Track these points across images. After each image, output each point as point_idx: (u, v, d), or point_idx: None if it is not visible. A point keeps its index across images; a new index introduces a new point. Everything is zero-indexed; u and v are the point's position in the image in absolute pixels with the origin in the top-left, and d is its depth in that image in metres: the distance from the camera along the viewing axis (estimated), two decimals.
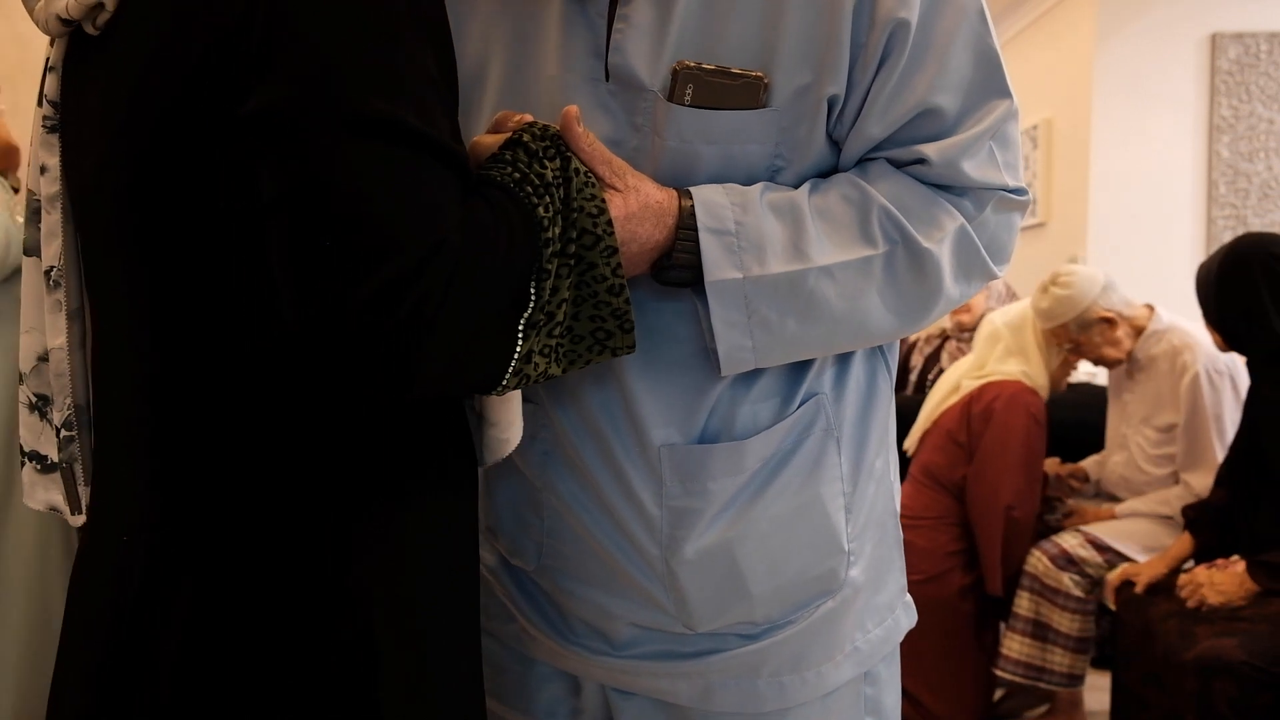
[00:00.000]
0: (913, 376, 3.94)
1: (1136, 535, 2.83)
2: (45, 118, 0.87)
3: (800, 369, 1.00)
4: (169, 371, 0.79)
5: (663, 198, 0.90)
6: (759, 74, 0.91)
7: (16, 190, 2.28)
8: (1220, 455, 2.72)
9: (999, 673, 2.85)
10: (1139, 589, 2.61)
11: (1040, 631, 2.81)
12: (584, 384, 0.98)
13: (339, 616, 0.78)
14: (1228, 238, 2.99)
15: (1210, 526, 2.59)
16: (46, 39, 0.88)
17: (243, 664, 0.77)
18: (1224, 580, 2.42)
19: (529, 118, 0.87)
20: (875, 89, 0.93)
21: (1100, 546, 2.81)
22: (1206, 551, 2.59)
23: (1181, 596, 2.47)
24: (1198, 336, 2.83)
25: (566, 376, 0.97)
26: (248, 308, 0.75)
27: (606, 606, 1.03)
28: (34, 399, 0.92)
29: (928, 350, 3.95)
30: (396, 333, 0.70)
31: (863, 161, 0.97)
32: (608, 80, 0.94)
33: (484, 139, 0.88)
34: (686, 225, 0.90)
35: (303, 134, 0.69)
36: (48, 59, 0.87)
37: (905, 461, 3.08)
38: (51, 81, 0.86)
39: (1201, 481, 2.74)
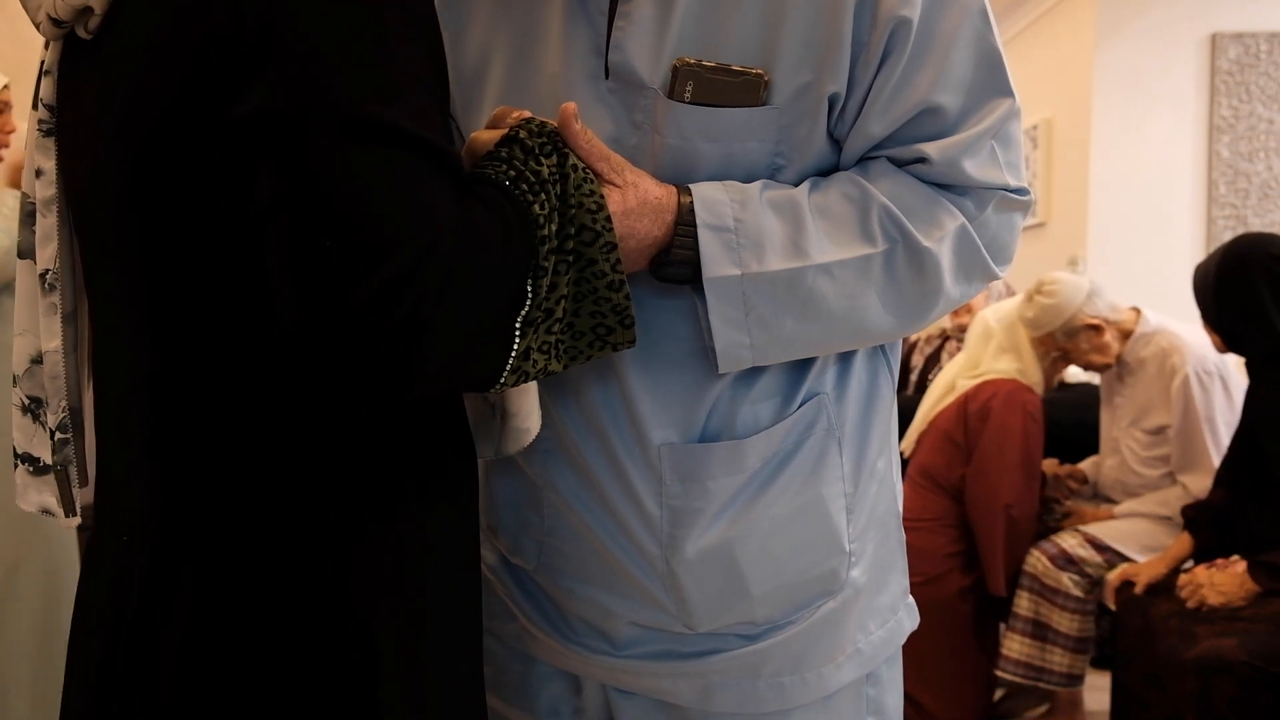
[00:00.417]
0: (913, 377, 3.94)
1: (1135, 535, 2.83)
2: (41, 121, 0.87)
3: (801, 368, 1.00)
4: (168, 372, 0.79)
5: (661, 194, 0.90)
6: (759, 71, 0.91)
7: None
8: (1215, 456, 2.73)
9: (999, 673, 2.85)
10: (1139, 589, 2.61)
11: (1040, 631, 2.81)
12: (585, 382, 0.98)
13: (339, 616, 0.78)
14: (1228, 238, 2.98)
15: (1209, 526, 2.59)
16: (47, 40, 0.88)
17: (243, 664, 0.77)
18: (1224, 580, 2.42)
19: (526, 114, 0.87)
20: (876, 87, 0.93)
21: (1099, 546, 2.82)
22: (1205, 551, 2.59)
23: (1182, 597, 2.47)
24: (1185, 338, 2.84)
25: (568, 374, 0.97)
26: (246, 309, 0.75)
27: (607, 605, 1.03)
28: (26, 401, 0.91)
29: (928, 350, 3.96)
30: (395, 333, 0.70)
31: (864, 160, 0.97)
32: (608, 78, 0.94)
33: (481, 135, 0.88)
34: (685, 221, 0.90)
35: (298, 137, 0.69)
36: (43, 62, 0.87)
37: (903, 463, 3.08)
38: (47, 85, 0.86)
39: (1198, 483, 2.75)
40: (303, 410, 0.78)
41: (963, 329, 3.76)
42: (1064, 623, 2.78)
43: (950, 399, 2.98)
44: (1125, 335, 2.91)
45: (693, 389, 0.97)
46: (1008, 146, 0.98)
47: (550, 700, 1.12)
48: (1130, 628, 2.60)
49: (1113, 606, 2.72)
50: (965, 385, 2.97)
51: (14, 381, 0.92)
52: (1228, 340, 2.58)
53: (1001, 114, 0.96)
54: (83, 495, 0.92)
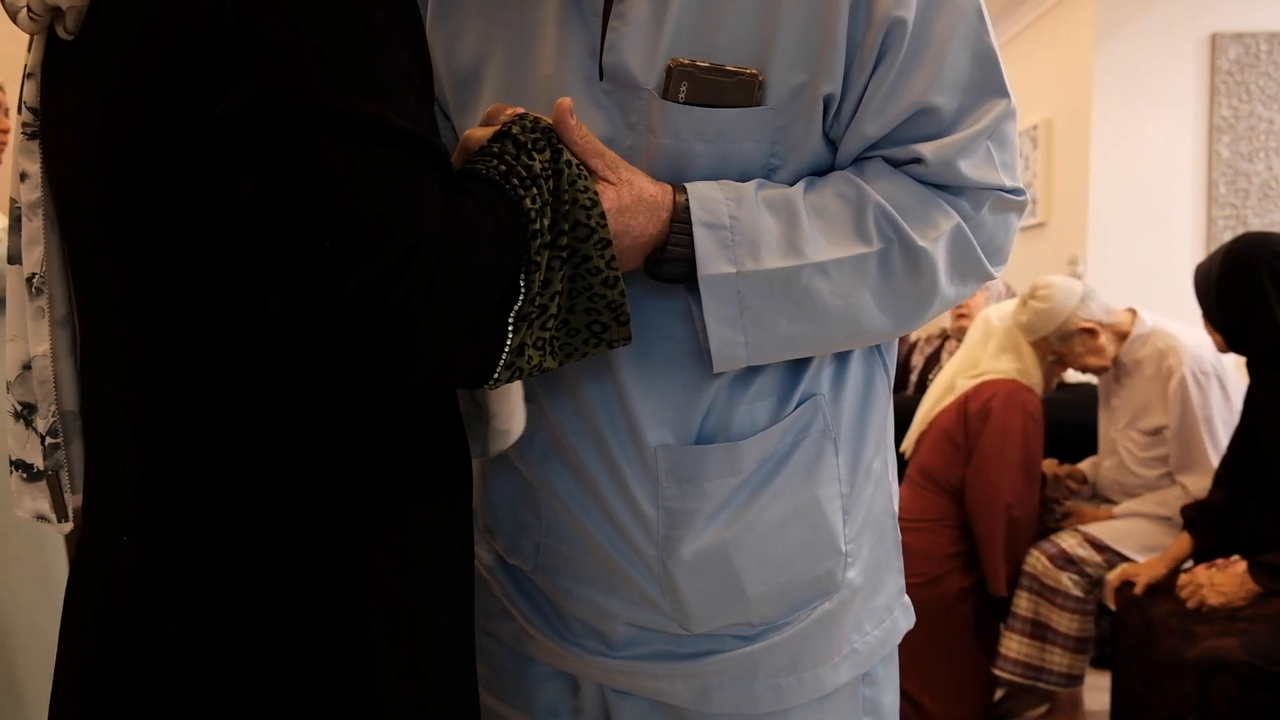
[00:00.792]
0: (913, 377, 3.94)
1: (1135, 535, 2.83)
2: (25, 124, 0.86)
3: (797, 369, 1.00)
4: (160, 373, 0.79)
5: (656, 191, 0.90)
6: (754, 72, 0.91)
7: None
8: (1213, 456, 2.73)
9: (997, 672, 2.85)
10: (1138, 590, 2.61)
11: (1039, 631, 2.80)
12: (581, 383, 0.98)
13: (338, 617, 0.78)
14: (1228, 238, 2.98)
15: (1209, 527, 2.59)
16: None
17: (239, 664, 0.76)
18: (1224, 580, 2.42)
19: (520, 110, 0.87)
20: (871, 88, 0.93)
21: (1099, 546, 2.81)
22: (1205, 551, 2.59)
23: (1182, 597, 2.47)
24: (1181, 339, 2.84)
25: (564, 375, 0.97)
26: (237, 307, 0.75)
27: (604, 606, 1.03)
28: (18, 407, 0.91)
29: (928, 350, 3.95)
30: (385, 328, 0.70)
31: (859, 160, 0.97)
32: (602, 79, 0.93)
33: (475, 132, 0.87)
34: (681, 219, 0.90)
35: (284, 133, 0.69)
36: (25, 65, 0.86)
37: (903, 464, 3.08)
38: (30, 88, 0.86)
39: (1197, 483, 2.74)
40: (299, 409, 0.78)
41: (963, 331, 3.75)
42: (1063, 623, 2.78)
43: (950, 399, 2.98)
44: (1121, 337, 2.91)
45: (689, 390, 0.97)
46: (1003, 147, 0.98)
47: (548, 700, 1.12)
48: (1130, 628, 2.59)
49: (1113, 607, 2.72)
50: (965, 385, 2.97)
51: (7, 388, 0.92)
52: (1229, 340, 2.58)
53: (997, 114, 0.96)
54: (76, 499, 0.92)
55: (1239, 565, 2.43)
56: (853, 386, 1.04)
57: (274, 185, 0.69)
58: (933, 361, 3.89)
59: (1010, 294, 3.68)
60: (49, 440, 0.89)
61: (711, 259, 0.90)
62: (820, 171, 0.97)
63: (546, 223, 0.80)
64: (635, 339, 0.92)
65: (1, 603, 2.30)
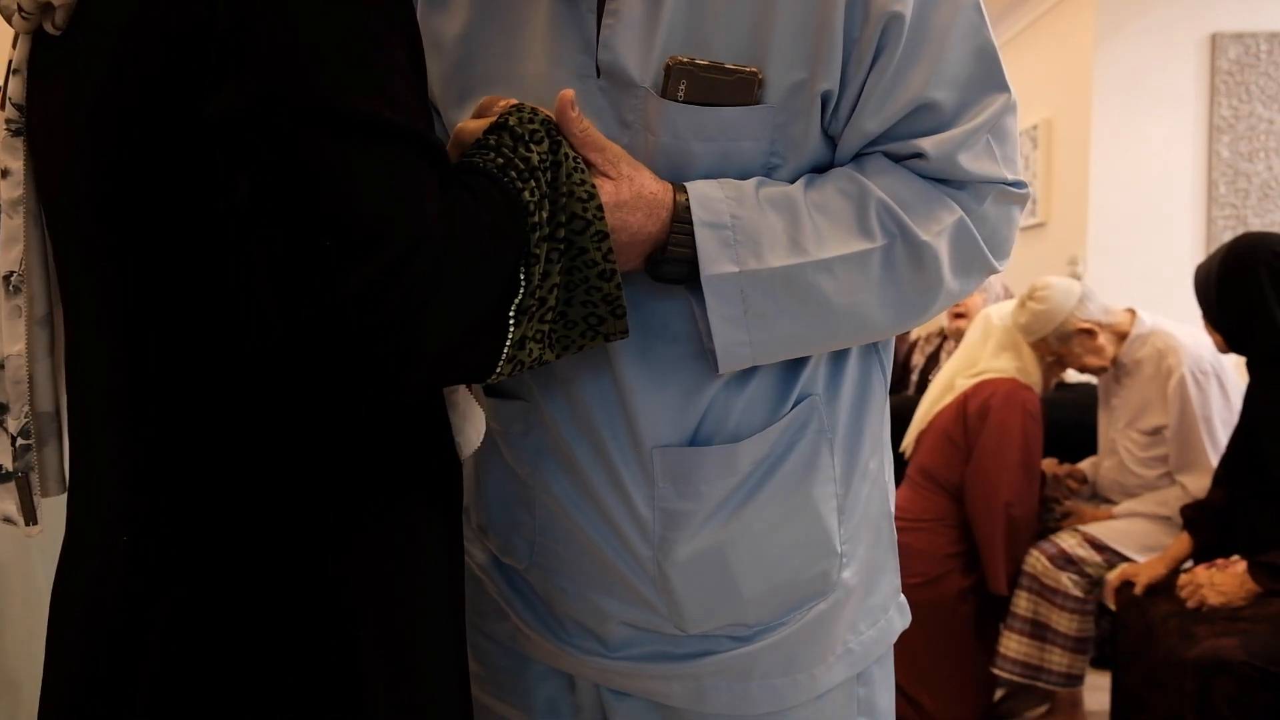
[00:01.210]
0: (913, 376, 3.93)
1: (1135, 535, 2.83)
2: (9, 121, 0.85)
3: (794, 370, 0.99)
4: (150, 373, 0.78)
5: (657, 189, 0.89)
6: (754, 70, 0.90)
7: None
8: (1213, 455, 2.72)
9: (996, 671, 2.85)
10: (1138, 590, 2.60)
11: (1039, 631, 2.80)
12: (579, 383, 0.97)
13: (323, 618, 0.77)
14: (1228, 238, 2.98)
15: (1209, 526, 2.59)
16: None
17: (225, 667, 0.76)
18: (1224, 580, 2.41)
19: (514, 101, 0.86)
20: (870, 84, 0.92)
21: (1099, 546, 2.81)
22: (1205, 551, 2.59)
23: (1182, 597, 2.47)
24: (1181, 339, 2.84)
25: (561, 373, 0.97)
26: (232, 308, 0.74)
27: (599, 605, 1.02)
28: None
29: (928, 350, 3.95)
30: (387, 326, 0.69)
31: (859, 156, 0.96)
32: (598, 76, 0.93)
33: (468, 124, 0.86)
34: (681, 219, 0.89)
35: (279, 130, 0.68)
36: (10, 61, 0.86)
37: (902, 463, 3.08)
38: (15, 84, 0.85)
39: (1197, 483, 2.74)
40: (294, 410, 0.77)
41: (960, 332, 3.75)
42: (1063, 622, 2.78)
43: (949, 398, 2.98)
44: (1120, 337, 2.91)
45: (688, 391, 0.97)
46: (1004, 141, 0.97)
47: (547, 699, 1.12)
48: (1130, 628, 2.59)
49: (1113, 606, 2.72)
50: (964, 384, 2.96)
51: None
52: (1229, 339, 2.58)
53: (997, 108, 0.95)
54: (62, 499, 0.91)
55: (1239, 565, 2.43)
56: (849, 387, 1.03)
57: (271, 185, 0.68)
58: (933, 361, 3.89)
59: (1008, 295, 3.68)
60: (20, 441, 0.88)
61: (714, 259, 0.89)
62: (820, 169, 0.97)
63: (545, 215, 0.79)
64: (635, 339, 0.91)
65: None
